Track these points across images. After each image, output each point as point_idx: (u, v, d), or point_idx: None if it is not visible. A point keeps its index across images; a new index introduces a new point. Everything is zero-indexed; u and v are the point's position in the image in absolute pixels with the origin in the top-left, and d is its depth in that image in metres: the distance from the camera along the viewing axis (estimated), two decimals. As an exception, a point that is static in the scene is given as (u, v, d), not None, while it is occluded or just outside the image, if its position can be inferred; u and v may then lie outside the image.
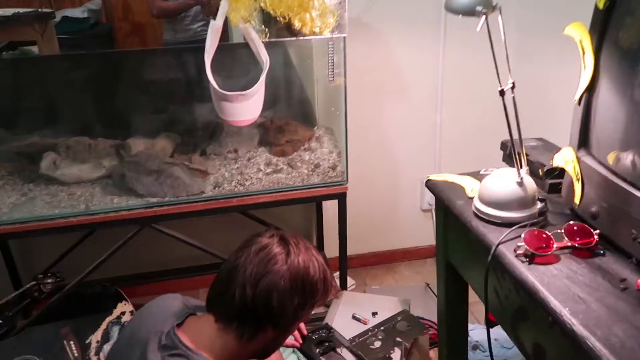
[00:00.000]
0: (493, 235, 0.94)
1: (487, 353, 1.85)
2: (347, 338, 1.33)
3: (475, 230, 0.98)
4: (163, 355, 0.92)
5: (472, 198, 1.06)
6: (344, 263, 1.92)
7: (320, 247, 2.35)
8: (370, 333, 1.36)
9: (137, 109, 1.92)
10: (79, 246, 2.01)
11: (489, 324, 1.98)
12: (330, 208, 2.25)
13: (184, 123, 1.95)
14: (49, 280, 1.68)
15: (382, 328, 1.37)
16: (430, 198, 2.43)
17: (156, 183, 1.68)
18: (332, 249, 2.19)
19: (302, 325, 1.30)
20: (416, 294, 2.12)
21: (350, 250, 2.05)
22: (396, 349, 1.33)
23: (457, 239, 1.14)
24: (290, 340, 1.27)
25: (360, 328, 1.40)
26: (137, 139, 1.84)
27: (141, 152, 1.76)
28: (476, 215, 1.00)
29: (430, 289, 2.25)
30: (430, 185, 1.19)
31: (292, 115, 1.91)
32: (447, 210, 1.11)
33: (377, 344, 1.33)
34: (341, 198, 1.79)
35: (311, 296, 0.97)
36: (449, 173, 1.22)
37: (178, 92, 1.93)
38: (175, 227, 1.73)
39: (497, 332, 1.97)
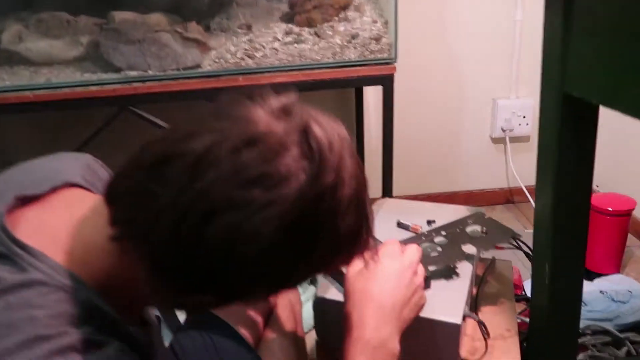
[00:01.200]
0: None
1: (590, 307, 1.31)
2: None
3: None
4: None
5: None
6: (388, 181, 1.42)
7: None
8: (424, 238, 0.87)
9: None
10: (42, 134, 1.61)
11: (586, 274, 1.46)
12: (374, 137, 1.76)
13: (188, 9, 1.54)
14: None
15: (442, 233, 0.88)
16: (505, 122, 1.89)
17: (138, 53, 1.26)
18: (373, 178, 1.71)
19: None
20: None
21: (396, 191, 1.55)
22: (466, 262, 0.83)
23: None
24: None
25: (407, 236, 0.92)
26: (125, 12, 1.43)
27: (124, 21, 1.35)
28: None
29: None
30: None
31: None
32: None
33: (434, 254, 0.84)
34: (387, 83, 1.30)
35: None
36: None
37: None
38: (163, 115, 1.31)
39: (605, 284, 1.43)
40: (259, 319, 0.98)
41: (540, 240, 0.81)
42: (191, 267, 0.41)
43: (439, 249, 0.84)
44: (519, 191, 2.00)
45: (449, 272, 0.81)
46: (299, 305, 1.08)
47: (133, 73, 1.26)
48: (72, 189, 0.53)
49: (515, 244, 0.98)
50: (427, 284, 0.76)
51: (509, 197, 2.03)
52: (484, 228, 0.89)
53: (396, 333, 0.62)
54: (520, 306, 1.19)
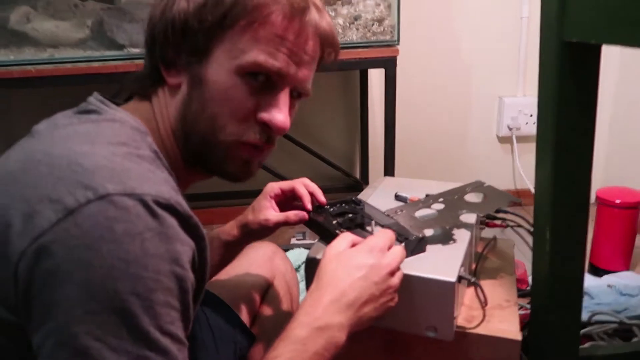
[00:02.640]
0: None
1: (597, 300, 1.26)
2: (383, 211, 0.82)
3: None
4: (66, 113, 0.57)
5: None
6: (390, 165, 1.40)
7: (365, 172, 1.84)
8: (421, 204, 0.84)
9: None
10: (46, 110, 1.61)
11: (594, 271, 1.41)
12: (378, 129, 1.74)
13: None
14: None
15: (440, 200, 0.85)
16: (511, 120, 1.87)
17: (141, 31, 1.26)
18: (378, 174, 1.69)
19: (316, 189, 0.82)
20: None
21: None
22: (464, 229, 0.80)
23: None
24: (294, 213, 0.78)
25: (405, 207, 0.89)
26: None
27: (130, 2, 1.36)
28: None
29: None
30: None
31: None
32: None
33: (431, 218, 0.81)
34: (390, 66, 1.29)
35: None
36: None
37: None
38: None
39: (613, 279, 1.38)
40: (255, 296, 0.95)
41: (541, 206, 0.78)
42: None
43: (436, 214, 0.81)
44: (527, 193, 1.96)
45: (446, 238, 0.79)
46: (295, 287, 1.06)
47: (135, 50, 1.26)
48: None
49: (516, 215, 0.95)
50: (422, 247, 0.73)
51: (515, 202, 1.98)
52: (485, 194, 0.86)
53: (347, 325, 0.59)
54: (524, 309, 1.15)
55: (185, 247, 0.47)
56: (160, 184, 0.48)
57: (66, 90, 1.42)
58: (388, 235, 0.66)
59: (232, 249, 0.85)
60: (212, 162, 0.60)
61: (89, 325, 0.42)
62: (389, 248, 0.65)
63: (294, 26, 0.56)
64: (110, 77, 1.24)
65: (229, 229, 0.84)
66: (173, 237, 0.46)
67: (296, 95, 0.62)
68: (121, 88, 0.63)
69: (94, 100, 0.57)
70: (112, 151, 0.48)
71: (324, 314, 0.58)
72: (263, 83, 0.57)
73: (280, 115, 0.58)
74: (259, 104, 0.58)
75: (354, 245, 0.65)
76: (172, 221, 0.47)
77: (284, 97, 0.58)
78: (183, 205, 0.49)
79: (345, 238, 0.65)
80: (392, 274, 0.63)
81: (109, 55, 1.26)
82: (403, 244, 0.68)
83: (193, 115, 0.57)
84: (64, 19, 1.44)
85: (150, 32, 0.59)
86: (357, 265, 0.61)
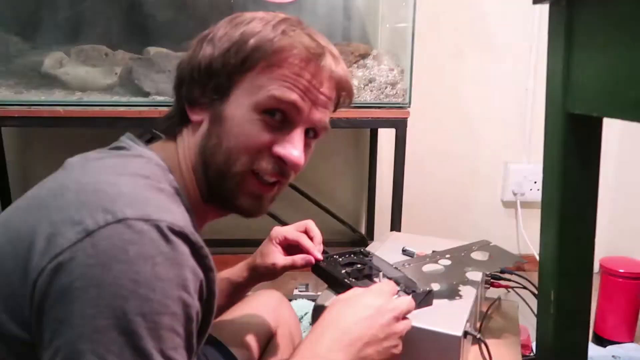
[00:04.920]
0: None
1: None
2: (391, 263, 0.84)
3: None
4: (98, 150, 0.62)
5: None
6: (397, 222, 1.43)
7: (370, 228, 1.87)
8: (428, 259, 0.86)
9: (169, 25, 1.64)
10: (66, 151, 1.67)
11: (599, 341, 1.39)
12: (385, 187, 1.79)
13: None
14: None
15: (447, 256, 0.87)
16: (516, 185, 1.91)
17: (167, 80, 1.34)
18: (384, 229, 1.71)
19: (317, 235, 0.84)
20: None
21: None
22: (469, 286, 0.82)
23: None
24: (301, 257, 0.81)
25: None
26: (161, 48, 1.54)
27: (158, 53, 1.45)
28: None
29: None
30: None
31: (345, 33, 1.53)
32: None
33: (437, 273, 0.83)
34: (400, 126, 1.35)
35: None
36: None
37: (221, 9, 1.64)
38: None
39: (618, 351, 1.36)
40: (257, 343, 0.95)
41: (546, 269, 0.80)
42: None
43: (443, 270, 0.83)
44: (531, 258, 1.96)
45: (452, 293, 0.80)
46: (299, 338, 1.05)
47: (160, 98, 1.33)
48: None
49: (521, 278, 0.97)
50: (429, 301, 0.75)
51: (519, 264, 1.99)
52: (490, 254, 0.89)
53: None
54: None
55: (193, 276, 0.49)
56: (177, 214, 0.51)
57: (91, 131, 1.49)
58: (392, 284, 0.69)
59: (240, 290, 0.86)
60: (226, 195, 0.62)
61: (94, 344, 0.43)
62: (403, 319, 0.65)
63: (310, 68, 0.60)
64: (134, 121, 1.30)
65: (239, 271, 0.85)
66: (183, 263, 0.48)
67: (312, 136, 0.65)
68: (148, 129, 0.68)
69: (125, 138, 0.62)
70: (135, 182, 0.52)
71: (325, 350, 0.58)
72: (279, 121, 0.60)
73: (295, 150, 0.60)
74: (274, 140, 0.60)
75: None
76: (184, 248, 0.48)
77: (299, 134, 0.61)
78: (196, 235, 0.51)
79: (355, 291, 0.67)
80: (398, 319, 0.63)
81: (134, 101, 1.33)
82: (411, 295, 0.70)
83: (211, 149, 0.61)
84: (94, 65, 1.53)
85: (178, 75, 0.65)
86: (363, 305, 0.62)
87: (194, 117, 0.63)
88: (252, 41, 0.59)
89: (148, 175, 0.55)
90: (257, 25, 0.60)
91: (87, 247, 0.45)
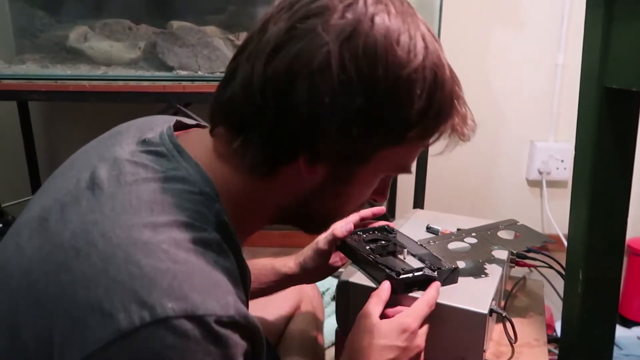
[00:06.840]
0: None
1: (626, 351, 1.23)
2: (416, 240, 0.84)
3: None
4: (134, 150, 0.52)
5: None
6: (420, 199, 1.41)
7: (392, 205, 1.86)
8: (453, 237, 0.85)
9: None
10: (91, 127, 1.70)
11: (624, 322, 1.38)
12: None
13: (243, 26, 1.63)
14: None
15: (473, 234, 0.86)
16: (542, 164, 1.87)
17: (191, 54, 1.33)
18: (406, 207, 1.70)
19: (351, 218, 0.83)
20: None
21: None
22: (495, 265, 0.81)
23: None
24: (341, 226, 0.80)
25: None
26: (184, 22, 1.53)
27: (182, 27, 1.44)
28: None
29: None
30: None
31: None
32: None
33: (463, 251, 0.82)
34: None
35: (398, 98, 0.49)
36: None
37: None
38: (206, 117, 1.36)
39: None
40: (282, 317, 0.97)
41: (574, 249, 0.78)
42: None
43: (469, 247, 0.82)
44: (555, 238, 1.93)
45: (477, 271, 0.79)
46: (321, 312, 1.06)
47: (184, 72, 1.33)
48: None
49: (547, 257, 0.95)
50: (454, 278, 0.74)
51: (546, 243, 1.96)
52: (516, 233, 0.87)
53: None
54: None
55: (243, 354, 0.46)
56: (226, 291, 0.45)
57: (115, 106, 1.50)
58: (422, 313, 0.66)
59: (286, 280, 0.84)
60: (313, 229, 0.64)
61: None
62: (422, 325, 0.66)
63: None
64: (157, 96, 1.31)
65: (285, 261, 0.85)
66: (234, 356, 0.44)
67: None
68: (188, 115, 0.65)
69: (166, 138, 0.53)
70: (175, 240, 0.44)
71: None
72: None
73: (384, 199, 0.62)
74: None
75: (385, 308, 0.66)
76: (234, 339, 0.44)
77: (389, 181, 0.61)
78: (246, 316, 0.45)
79: (377, 303, 0.66)
80: (420, 354, 0.65)
81: (158, 75, 1.33)
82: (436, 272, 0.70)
83: (323, 206, 0.57)
84: (118, 40, 1.53)
85: (311, 122, 0.47)
86: (389, 346, 0.62)
87: (307, 170, 0.50)
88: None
89: (190, 220, 0.46)
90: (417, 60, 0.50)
91: (120, 353, 0.40)
